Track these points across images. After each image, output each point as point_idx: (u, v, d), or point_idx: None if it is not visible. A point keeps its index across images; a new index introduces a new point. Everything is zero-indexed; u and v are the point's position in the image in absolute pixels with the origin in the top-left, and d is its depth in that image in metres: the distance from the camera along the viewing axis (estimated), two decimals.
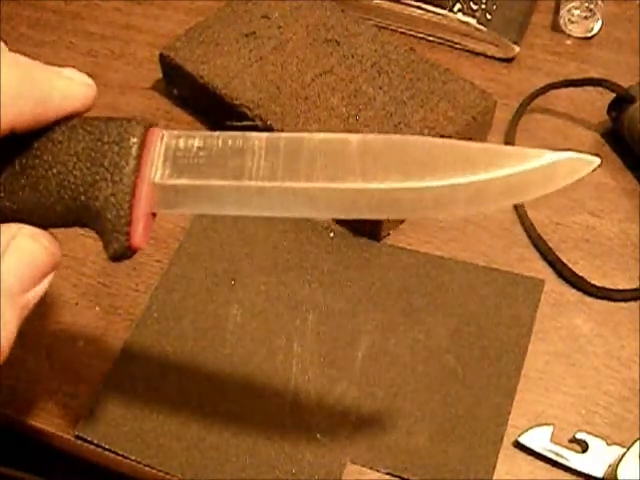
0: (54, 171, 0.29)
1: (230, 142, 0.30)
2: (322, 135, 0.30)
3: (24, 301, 0.28)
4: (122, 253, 0.29)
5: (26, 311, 0.29)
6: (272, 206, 0.29)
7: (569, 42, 0.58)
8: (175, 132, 0.30)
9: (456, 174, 0.28)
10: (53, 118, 0.29)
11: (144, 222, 0.29)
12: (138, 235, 0.29)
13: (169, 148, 0.30)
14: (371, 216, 0.30)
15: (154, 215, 0.30)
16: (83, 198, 0.29)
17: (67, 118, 0.29)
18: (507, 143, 0.51)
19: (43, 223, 0.30)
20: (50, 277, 0.30)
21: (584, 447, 0.39)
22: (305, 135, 0.29)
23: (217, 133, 0.30)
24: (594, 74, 0.55)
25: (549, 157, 0.29)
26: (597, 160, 0.29)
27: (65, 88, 0.29)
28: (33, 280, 0.29)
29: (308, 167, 0.29)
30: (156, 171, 0.29)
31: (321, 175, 0.29)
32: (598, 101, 0.53)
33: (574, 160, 0.29)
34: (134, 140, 0.29)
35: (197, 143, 0.30)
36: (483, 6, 0.57)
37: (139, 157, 0.29)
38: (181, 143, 0.30)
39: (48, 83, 0.29)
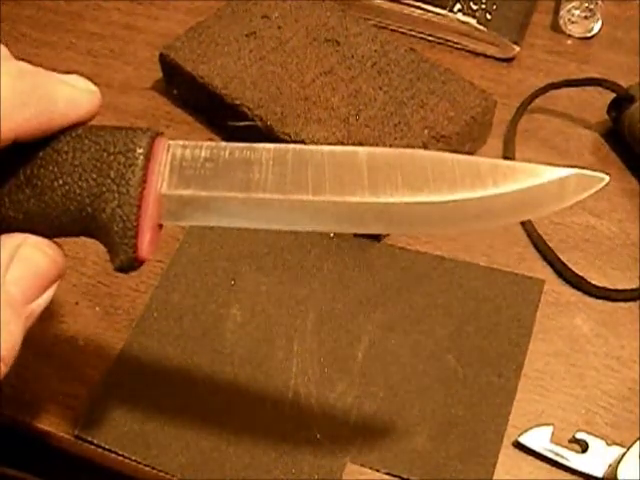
0: (59, 182, 0.28)
1: (237, 153, 0.29)
2: (330, 148, 0.29)
3: (28, 311, 0.28)
4: (129, 265, 0.29)
5: (31, 320, 0.29)
6: (279, 219, 0.29)
7: (569, 42, 0.58)
8: (181, 142, 0.30)
9: (465, 189, 0.28)
10: (57, 127, 0.29)
11: (151, 234, 0.29)
12: (145, 247, 0.29)
13: (175, 158, 0.29)
14: (379, 231, 0.29)
15: (160, 226, 0.30)
16: (89, 210, 0.29)
17: (72, 127, 0.29)
18: (507, 143, 0.52)
19: (48, 233, 0.30)
20: (54, 287, 0.30)
21: (584, 447, 0.39)
22: (313, 147, 0.29)
23: (224, 144, 0.30)
24: (594, 74, 0.55)
25: (559, 173, 0.29)
26: (606, 178, 0.29)
27: (69, 96, 0.29)
28: (37, 290, 0.29)
29: (316, 180, 0.29)
30: (162, 182, 0.29)
31: (329, 188, 0.28)
32: (598, 101, 0.53)
33: (584, 177, 0.29)
34: (140, 151, 0.29)
35: (203, 154, 0.29)
36: (483, 6, 0.57)
37: (145, 168, 0.29)
38: (187, 153, 0.29)
39: (52, 91, 0.28)
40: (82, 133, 0.29)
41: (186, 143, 0.30)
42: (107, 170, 0.28)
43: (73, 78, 0.30)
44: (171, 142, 0.30)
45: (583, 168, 0.29)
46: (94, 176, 0.28)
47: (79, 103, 0.29)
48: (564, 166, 0.29)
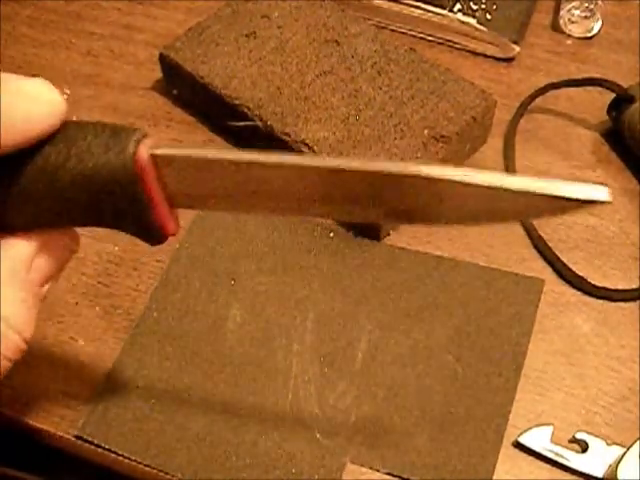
0: (58, 200, 0.29)
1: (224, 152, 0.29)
2: (328, 160, 0.29)
3: (42, 294, 0.31)
4: (160, 243, 0.31)
5: (42, 300, 0.32)
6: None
7: (569, 42, 0.58)
8: (168, 144, 0.30)
9: None
10: (19, 142, 0.27)
11: (173, 223, 0.31)
12: (171, 232, 0.31)
13: (165, 160, 0.29)
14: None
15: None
16: (102, 223, 0.30)
17: (54, 135, 0.28)
18: (507, 143, 0.51)
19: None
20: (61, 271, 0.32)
21: (584, 447, 0.39)
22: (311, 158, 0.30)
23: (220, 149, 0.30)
24: (594, 74, 0.55)
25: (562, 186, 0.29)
26: (606, 190, 0.29)
27: (27, 111, 0.27)
28: (53, 275, 0.31)
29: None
30: (164, 187, 0.29)
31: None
32: (598, 101, 0.53)
33: (585, 190, 0.29)
34: (133, 176, 0.28)
35: (194, 154, 0.29)
36: (483, 6, 0.57)
37: (145, 187, 0.28)
38: (180, 153, 0.29)
39: (8, 106, 0.27)
40: (71, 146, 0.28)
41: (174, 146, 0.30)
42: (108, 195, 0.28)
43: (36, 86, 0.28)
44: (157, 145, 0.29)
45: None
46: (93, 197, 0.29)
47: (38, 118, 0.27)
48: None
